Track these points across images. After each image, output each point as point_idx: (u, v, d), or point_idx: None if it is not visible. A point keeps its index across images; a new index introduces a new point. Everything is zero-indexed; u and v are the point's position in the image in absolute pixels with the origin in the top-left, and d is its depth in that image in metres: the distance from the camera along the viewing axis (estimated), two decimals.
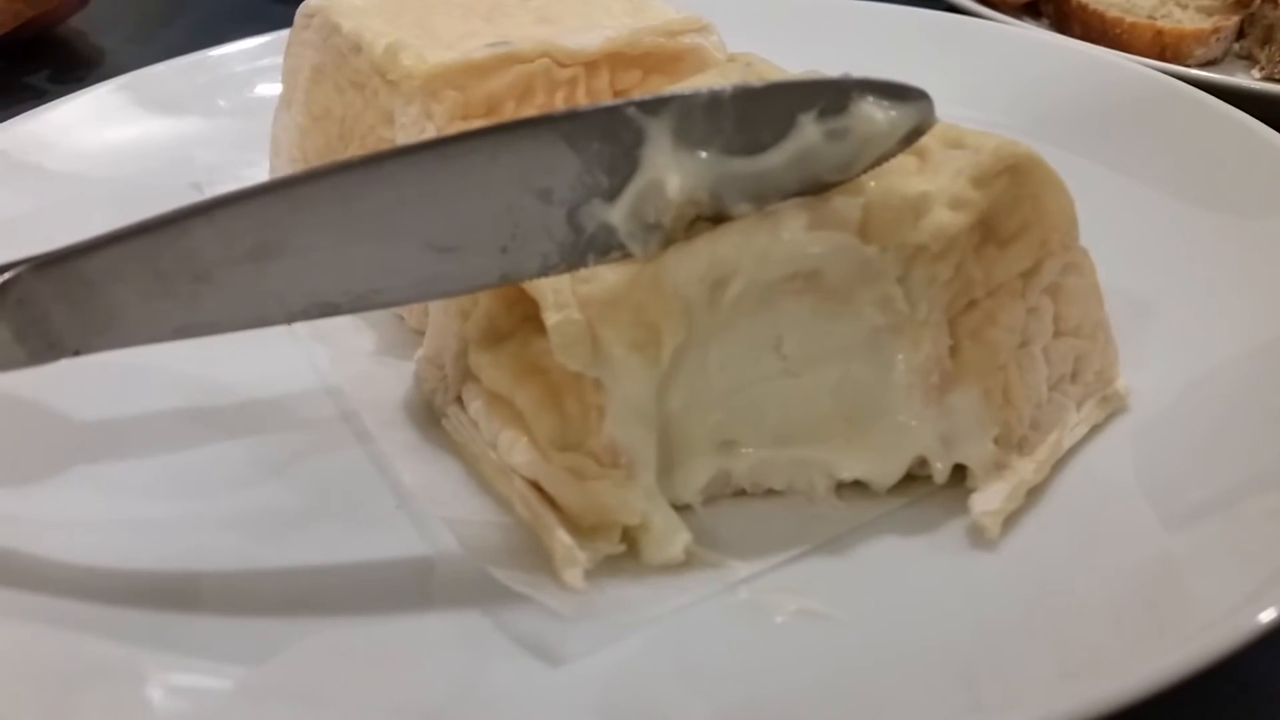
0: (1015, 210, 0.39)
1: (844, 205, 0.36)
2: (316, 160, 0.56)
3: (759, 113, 0.35)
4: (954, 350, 0.39)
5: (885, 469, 0.40)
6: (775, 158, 0.35)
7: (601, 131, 0.34)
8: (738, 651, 0.33)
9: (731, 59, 0.48)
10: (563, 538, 0.36)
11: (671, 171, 0.34)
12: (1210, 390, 0.41)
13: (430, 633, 0.35)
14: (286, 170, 0.58)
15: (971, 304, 0.39)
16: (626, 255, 0.36)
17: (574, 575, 0.35)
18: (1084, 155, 0.55)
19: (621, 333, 0.36)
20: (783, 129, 0.35)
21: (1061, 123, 0.58)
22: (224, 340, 0.35)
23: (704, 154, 0.35)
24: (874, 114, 0.35)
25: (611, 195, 0.35)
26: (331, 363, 0.46)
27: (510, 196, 0.34)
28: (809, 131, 0.35)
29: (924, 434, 0.39)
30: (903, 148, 0.36)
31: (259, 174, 0.61)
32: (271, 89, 0.60)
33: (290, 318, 0.35)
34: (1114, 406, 0.42)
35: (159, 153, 0.62)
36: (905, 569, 0.36)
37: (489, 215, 0.34)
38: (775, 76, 0.46)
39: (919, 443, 0.39)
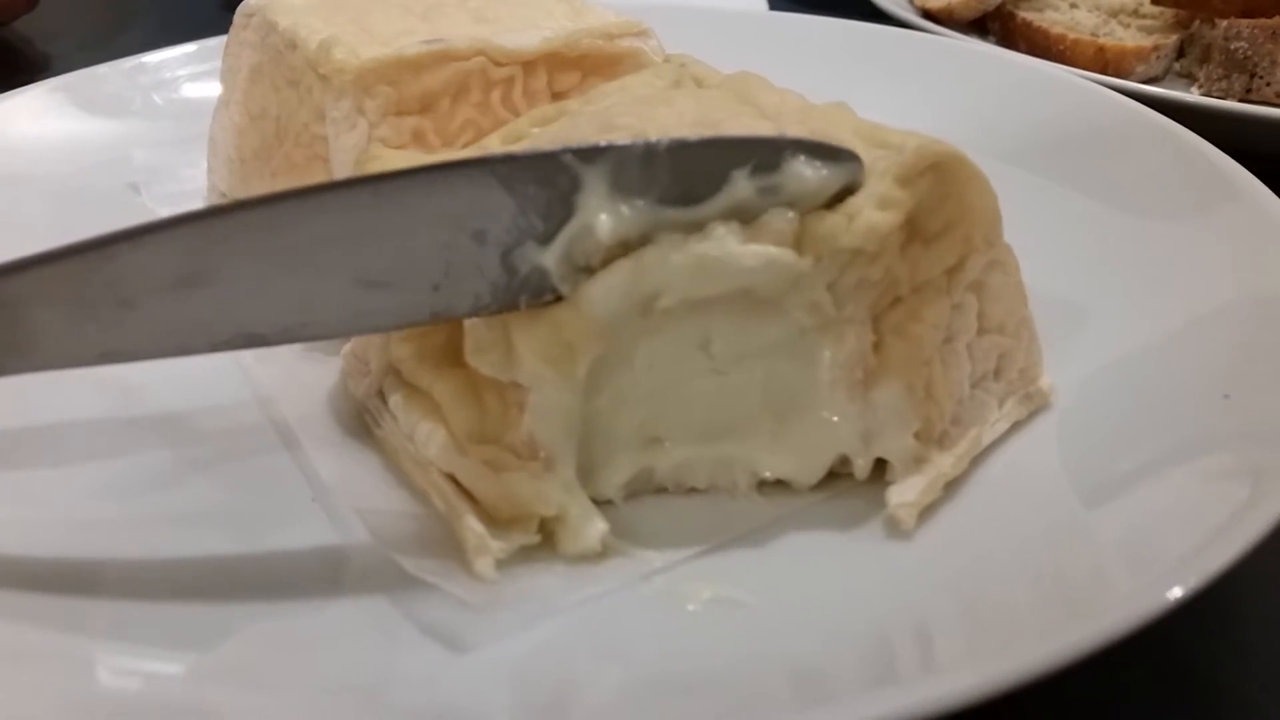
0: (940, 208, 0.39)
1: (779, 218, 0.36)
2: (253, 159, 0.56)
3: (693, 166, 0.35)
4: (878, 346, 0.39)
5: (808, 467, 0.40)
6: (708, 210, 0.36)
7: (537, 176, 0.34)
8: (647, 636, 0.33)
9: (667, 59, 0.49)
10: (474, 526, 0.35)
11: (605, 217, 0.35)
12: (1133, 388, 0.41)
13: (344, 624, 0.34)
14: (223, 170, 0.58)
15: (896, 300, 0.39)
16: (559, 297, 0.36)
17: (485, 565, 0.34)
18: (1018, 165, 0.56)
19: (537, 346, 0.36)
20: (716, 183, 0.35)
21: (1000, 133, 0.59)
22: None
23: (639, 202, 0.35)
24: (805, 173, 0.36)
25: (546, 239, 0.35)
26: (255, 356, 0.46)
27: (444, 236, 0.34)
28: (742, 187, 0.35)
29: (847, 431, 0.39)
30: (832, 206, 0.37)
31: (197, 174, 0.60)
32: (211, 91, 0.60)
33: (215, 348, 0.35)
34: (1037, 404, 0.42)
35: (96, 153, 0.61)
36: (821, 558, 0.36)
37: (422, 253, 0.34)
38: (709, 78, 0.46)
39: (842, 440, 0.39)
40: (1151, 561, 0.32)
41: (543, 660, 0.32)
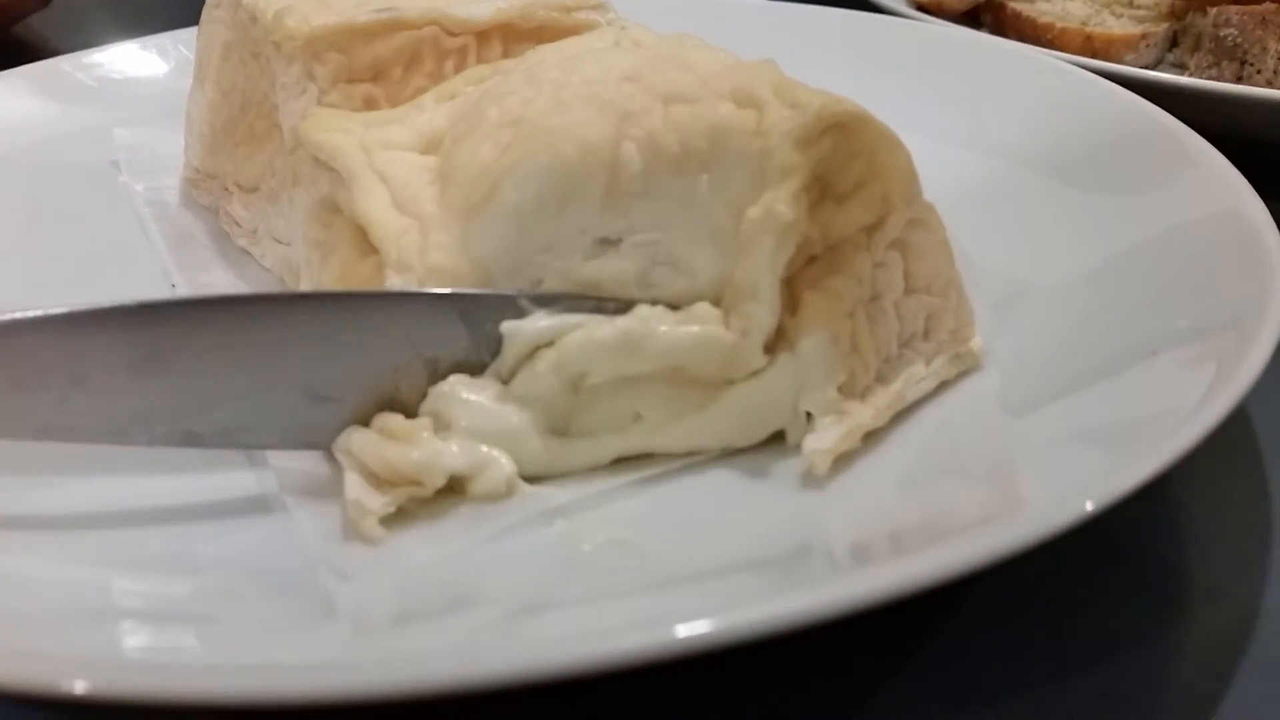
0: (849, 167, 0.38)
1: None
2: (224, 134, 0.57)
3: None
4: (794, 305, 0.39)
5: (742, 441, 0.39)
6: None
7: (497, 316, 0.37)
8: (536, 569, 0.33)
9: (609, 23, 0.49)
10: (351, 491, 0.35)
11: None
12: (1067, 349, 0.41)
13: (264, 571, 0.35)
14: (197, 146, 0.59)
15: (811, 259, 0.39)
16: None
17: (369, 526, 0.34)
18: (997, 152, 0.56)
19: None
20: None
21: (982, 118, 0.58)
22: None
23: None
24: None
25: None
26: None
27: (397, 359, 0.36)
28: None
29: (783, 405, 0.39)
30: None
31: (175, 152, 0.61)
32: (190, 72, 0.61)
33: (151, 441, 0.36)
34: (967, 365, 0.41)
35: (77, 131, 0.62)
36: (728, 504, 0.36)
37: (374, 372, 0.36)
38: (647, 40, 0.46)
39: (779, 417, 0.39)
40: (1067, 479, 0.32)
41: (425, 587, 0.33)
